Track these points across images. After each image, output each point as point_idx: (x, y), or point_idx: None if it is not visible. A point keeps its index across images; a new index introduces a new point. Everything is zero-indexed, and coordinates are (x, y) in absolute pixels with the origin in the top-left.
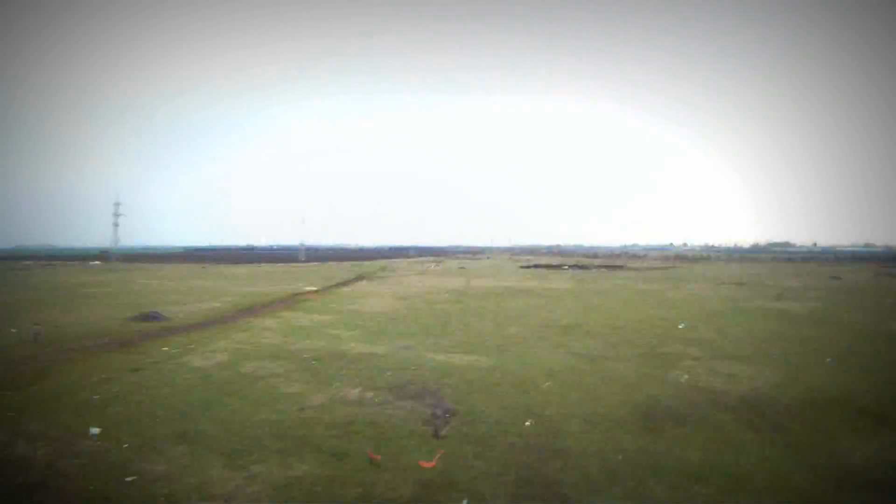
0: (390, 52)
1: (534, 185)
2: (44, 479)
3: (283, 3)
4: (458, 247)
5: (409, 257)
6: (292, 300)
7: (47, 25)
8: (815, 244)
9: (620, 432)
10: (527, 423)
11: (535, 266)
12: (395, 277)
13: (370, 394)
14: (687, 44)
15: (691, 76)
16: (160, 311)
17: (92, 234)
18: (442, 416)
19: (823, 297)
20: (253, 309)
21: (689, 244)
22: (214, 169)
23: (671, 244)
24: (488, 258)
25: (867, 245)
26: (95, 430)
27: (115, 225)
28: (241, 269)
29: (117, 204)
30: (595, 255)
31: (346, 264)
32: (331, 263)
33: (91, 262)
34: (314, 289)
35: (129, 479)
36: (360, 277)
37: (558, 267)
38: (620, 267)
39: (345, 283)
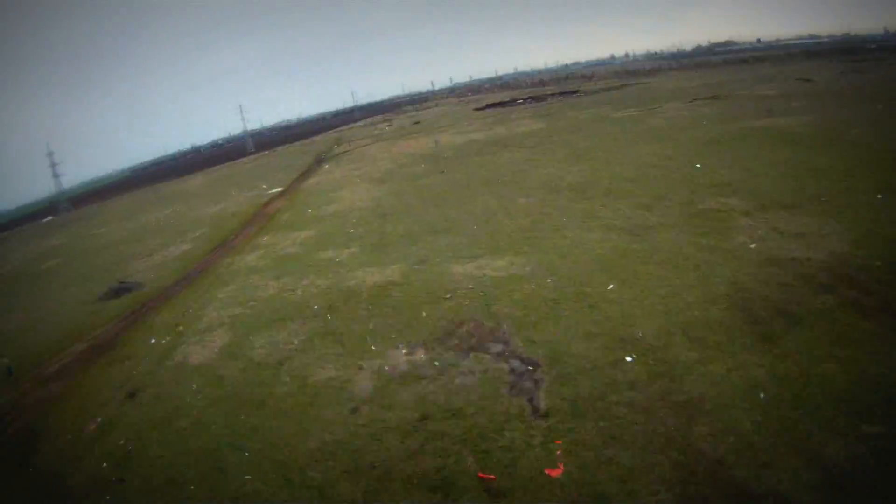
0: None
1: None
2: None
3: None
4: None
5: (356, 121)
6: (263, 216)
7: None
8: (758, 40)
9: (738, 349)
10: (628, 360)
11: (490, 106)
12: (356, 152)
13: (421, 355)
14: None
15: None
16: (129, 277)
17: (35, 184)
18: (525, 373)
19: (811, 108)
20: (226, 243)
21: (630, 55)
22: (140, 79)
23: (612, 56)
24: (437, 105)
25: (812, 36)
26: None
27: (55, 176)
28: (195, 181)
29: (51, 153)
30: (542, 82)
31: (297, 146)
32: (281, 149)
33: (43, 220)
34: (279, 189)
35: None
36: (319, 160)
37: (512, 103)
38: (575, 92)
39: (306, 174)
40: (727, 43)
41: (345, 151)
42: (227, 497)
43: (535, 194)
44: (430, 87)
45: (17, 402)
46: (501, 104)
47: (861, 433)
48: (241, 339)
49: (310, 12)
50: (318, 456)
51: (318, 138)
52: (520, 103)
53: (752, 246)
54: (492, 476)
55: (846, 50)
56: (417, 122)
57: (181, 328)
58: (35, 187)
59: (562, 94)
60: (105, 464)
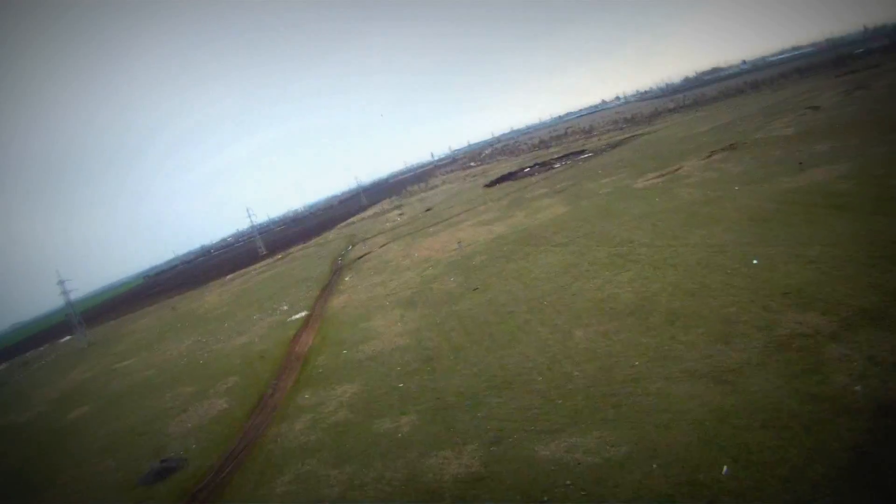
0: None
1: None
2: None
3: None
4: (403, 172)
5: (364, 209)
6: (295, 357)
7: None
8: (743, 62)
9: None
10: None
11: (499, 181)
12: (375, 257)
13: None
14: None
15: None
16: (168, 446)
17: (46, 296)
18: None
19: (840, 153)
20: (264, 401)
21: (621, 97)
22: (146, 184)
23: (604, 101)
24: (443, 183)
25: (794, 48)
26: None
27: (68, 299)
28: (212, 297)
29: (61, 282)
30: (543, 143)
31: (312, 248)
32: (294, 251)
33: (62, 340)
34: (304, 314)
35: None
36: (337, 268)
37: (521, 172)
38: (582, 153)
39: (328, 289)
40: (713, 70)
41: (363, 255)
42: None
43: (591, 322)
44: (430, 158)
45: None
46: (511, 175)
47: None
48: None
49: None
50: None
51: (330, 235)
52: (528, 171)
53: (857, 389)
54: None
55: (835, 61)
56: (429, 209)
57: None
58: (46, 299)
59: (568, 156)
60: None
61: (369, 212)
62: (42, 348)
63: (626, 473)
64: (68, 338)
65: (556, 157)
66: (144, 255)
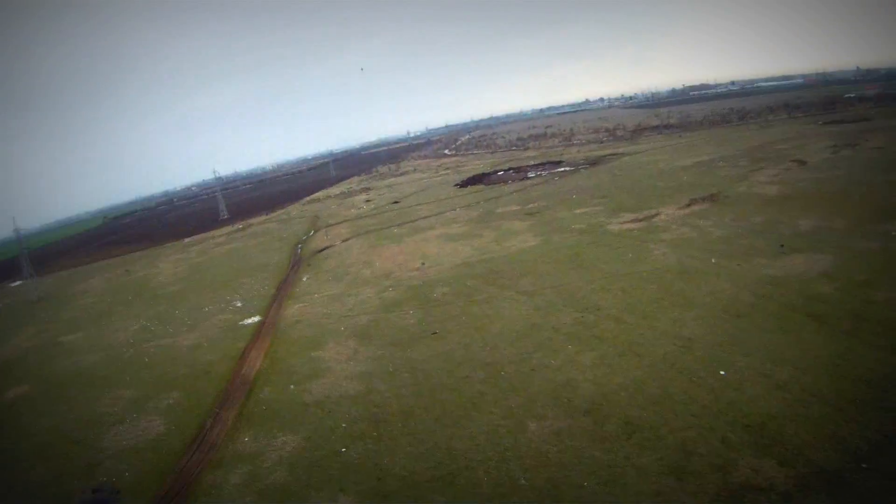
0: None
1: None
2: None
3: None
4: (378, 144)
5: (332, 183)
6: (241, 383)
7: None
8: (732, 83)
9: None
10: None
11: (471, 181)
12: (335, 255)
13: None
14: None
15: None
16: (102, 471)
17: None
18: None
19: (824, 236)
20: (203, 433)
21: (605, 99)
22: (116, 122)
23: (587, 100)
24: (415, 170)
25: (785, 77)
26: None
27: (22, 251)
28: (168, 269)
29: (17, 230)
30: (521, 141)
31: (273, 224)
32: (255, 222)
33: (12, 284)
34: (256, 319)
35: None
36: (296, 262)
37: (493, 176)
38: (559, 163)
39: (284, 289)
40: (702, 86)
41: (324, 249)
42: None
43: (546, 414)
44: (406, 135)
45: None
46: (484, 177)
47: None
48: None
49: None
50: None
51: (293, 211)
52: (501, 175)
53: None
54: None
55: (825, 103)
56: (397, 202)
57: None
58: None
59: (544, 165)
60: None
61: (336, 189)
62: None
63: None
64: (19, 283)
65: (531, 163)
66: (107, 193)
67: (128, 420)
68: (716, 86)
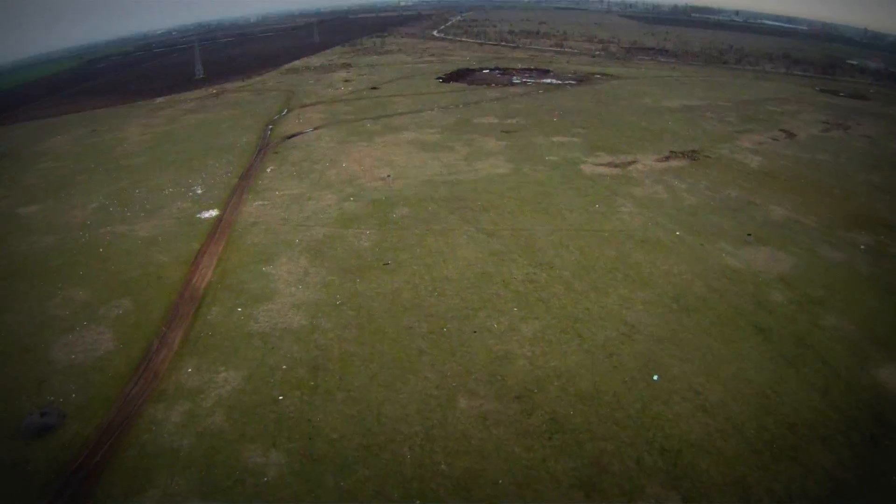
0: None
1: None
2: None
3: None
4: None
5: (314, 50)
6: (189, 298)
7: None
8: (737, 13)
9: None
10: None
11: (454, 78)
12: (304, 145)
13: None
14: None
15: None
16: (50, 389)
17: None
18: None
19: (794, 233)
20: (148, 362)
21: (605, 1)
22: None
23: None
24: (399, 49)
25: (790, 20)
26: None
27: None
28: (134, 134)
29: None
30: (510, 35)
31: (247, 89)
32: (230, 88)
33: None
34: (213, 214)
35: None
36: (263, 147)
37: (477, 74)
38: (546, 73)
39: (246, 177)
40: (704, 9)
41: (294, 135)
42: None
43: (477, 390)
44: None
45: None
46: (468, 73)
47: None
48: None
49: None
50: None
51: (270, 81)
52: (486, 74)
53: None
54: None
55: (825, 65)
56: (375, 88)
57: None
58: None
59: (531, 72)
60: None
61: (317, 59)
62: None
63: None
64: None
65: (518, 67)
66: (87, 30)
67: (78, 328)
68: (719, 12)
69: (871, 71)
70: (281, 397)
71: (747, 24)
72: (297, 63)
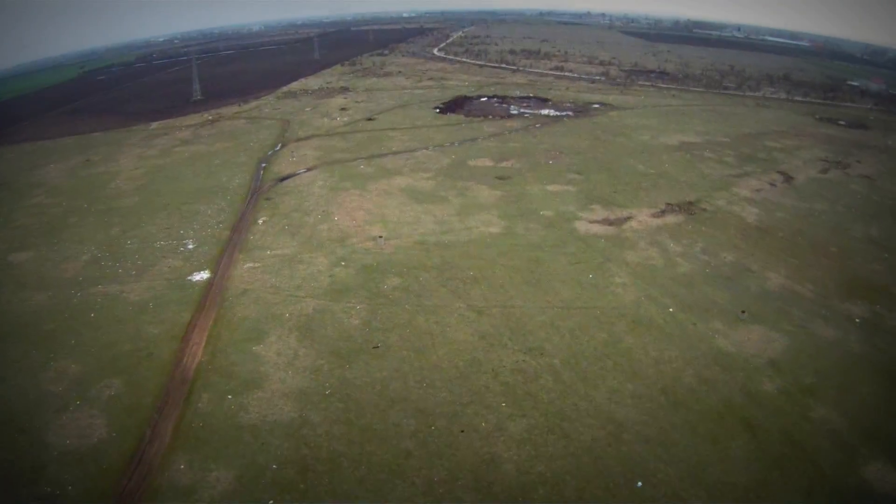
0: None
1: None
2: None
3: None
4: (369, 19)
5: (313, 69)
6: (181, 379)
7: None
8: (738, 28)
9: None
10: None
11: (451, 108)
12: (296, 194)
13: None
14: None
15: None
16: (46, 478)
17: None
18: None
19: (787, 312)
20: (141, 454)
21: (607, 15)
22: None
23: (588, 12)
24: (398, 71)
25: (793, 36)
26: None
27: None
28: (128, 167)
29: None
30: (511, 55)
31: (243, 116)
32: (226, 114)
33: None
34: (204, 277)
35: None
36: (255, 191)
37: (475, 101)
38: (545, 102)
39: (238, 230)
40: (705, 25)
41: (286, 178)
42: None
43: (464, 500)
44: (399, 14)
45: None
46: (466, 102)
47: None
48: None
49: None
50: None
51: (266, 107)
52: (484, 102)
53: None
54: None
55: (826, 87)
56: (371, 119)
57: None
58: None
59: (529, 100)
60: None
61: (315, 81)
62: None
63: None
64: None
65: (517, 94)
66: (90, 35)
67: (71, 408)
68: (721, 27)
69: (873, 93)
70: (271, 502)
71: (749, 41)
72: (294, 85)
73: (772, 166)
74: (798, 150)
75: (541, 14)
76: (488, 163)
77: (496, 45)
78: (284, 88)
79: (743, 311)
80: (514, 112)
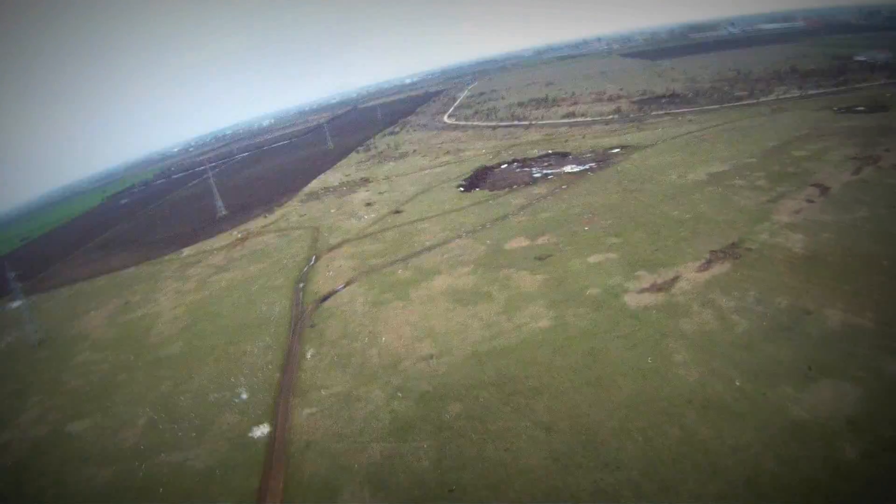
0: None
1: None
2: None
3: None
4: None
5: (329, 160)
6: None
7: None
8: (731, 24)
9: None
10: None
11: (474, 182)
12: (339, 317)
13: None
14: None
15: None
16: None
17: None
18: None
19: (852, 353)
20: None
21: (603, 38)
22: (114, 85)
23: (583, 41)
24: (414, 150)
25: (787, 18)
26: None
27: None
28: (167, 307)
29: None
30: (520, 108)
31: (271, 230)
32: (254, 229)
33: (6, 307)
34: (265, 433)
35: None
36: (299, 317)
37: (497, 171)
38: (565, 156)
39: (288, 372)
40: (700, 26)
41: (327, 297)
42: None
43: None
44: (404, 81)
45: None
46: (487, 173)
47: None
48: None
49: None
50: None
51: (293, 215)
52: (505, 168)
53: None
54: None
55: (835, 72)
56: (398, 212)
57: None
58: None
59: (549, 157)
60: None
61: (334, 176)
62: None
63: None
64: (17, 304)
65: (536, 154)
66: (107, 154)
67: None
68: (715, 25)
69: (882, 65)
70: None
71: (746, 36)
72: (315, 184)
73: (805, 179)
74: (825, 153)
75: (538, 53)
76: (524, 242)
77: (503, 98)
78: (306, 189)
79: (810, 368)
80: (538, 175)
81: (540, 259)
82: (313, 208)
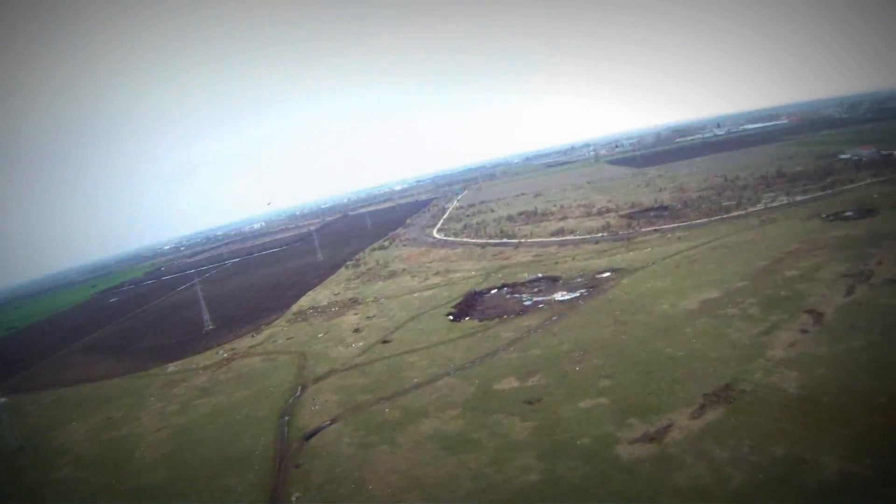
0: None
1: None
2: None
3: None
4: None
5: (319, 273)
6: None
7: None
8: (717, 125)
9: None
10: None
11: (463, 309)
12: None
13: None
14: None
15: None
16: None
17: None
18: None
19: None
20: None
21: (591, 143)
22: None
23: (571, 146)
24: (403, 269)
25: (770, 115)
26: None
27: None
28: (150, 427)
29: None
30: (509, 221)
31: (258, 352)
32: (240, 349)
33: None
34: None
35: None
36: (283, 458)
37: (486, 296)
38: (555, 281)
39: None
40: (686, 128)
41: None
42: None
43: None
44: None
45: None
46: (476, 299)
47: None
48: None
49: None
50: None
51: (280, 336)
52: (495, 294)
53: None
54: None
55: (821, 174)
56: (386, 342)
57: None
58: None
59: (540, 281)
60: None
61: (323, 293)
62: None
63: None
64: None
65: (526, 278)
66: (97, 246)
67: None
68: (701, 128)
69: (866, 162)
70: None
71: (731, 136)
72: (304, 301)
73: (798, 306)
74: (817, 271)
75: (527, 159)
76: (514, 383)
77: (492, 211)
78: (294, 308)
79: None
80: (528, 303)
81: (530, 403)
82: (301, 331)
